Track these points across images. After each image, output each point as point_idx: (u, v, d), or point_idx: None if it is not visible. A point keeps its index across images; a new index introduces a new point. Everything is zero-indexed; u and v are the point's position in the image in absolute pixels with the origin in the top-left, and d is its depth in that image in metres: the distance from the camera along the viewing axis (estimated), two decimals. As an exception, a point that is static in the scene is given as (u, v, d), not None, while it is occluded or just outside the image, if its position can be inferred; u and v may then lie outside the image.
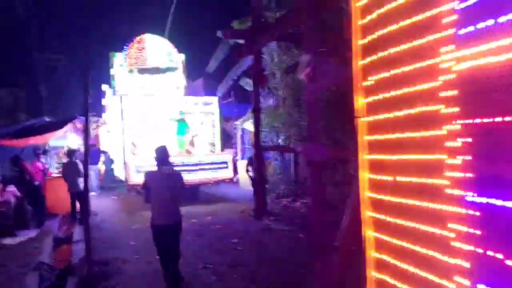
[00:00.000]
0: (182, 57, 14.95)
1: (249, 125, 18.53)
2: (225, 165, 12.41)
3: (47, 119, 17.06)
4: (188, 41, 17.46)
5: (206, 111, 13.77)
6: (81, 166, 9.93)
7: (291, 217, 10.08)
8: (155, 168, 5.15)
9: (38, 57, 29.74)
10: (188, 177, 10.55)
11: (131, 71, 14.27)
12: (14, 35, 26.77)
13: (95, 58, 18.14)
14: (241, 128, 19.14)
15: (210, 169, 11.96)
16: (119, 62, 14.56)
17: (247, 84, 17.48)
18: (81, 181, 9.68)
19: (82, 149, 13.55)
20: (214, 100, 14.14)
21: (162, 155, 5.12)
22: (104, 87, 18.79)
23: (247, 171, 11.95)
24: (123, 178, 12.63)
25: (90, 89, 6.58)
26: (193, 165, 11.60)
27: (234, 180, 14.64)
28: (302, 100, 11.31)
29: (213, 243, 7.99)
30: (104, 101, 18.78)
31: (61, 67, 31.27)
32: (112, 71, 14.89)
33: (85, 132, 6.64)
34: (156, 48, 13.98)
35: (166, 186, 4.97)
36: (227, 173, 12.60)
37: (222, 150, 14.11)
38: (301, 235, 8.27)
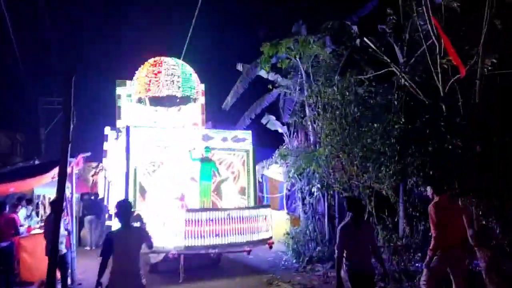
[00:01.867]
0: (202, 87, 12.16)
1: (272, 172, 16.01)
2: (264, 223, 9.22)
3: (37, 162, 14.78)
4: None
5: (237, 149, 10.78)
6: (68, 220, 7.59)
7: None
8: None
9: (38, 99, 28.03)
10: (214, 241, 8.04)
11: (141, 101, 11.54)
12: (13, 77, 25.12)
13: (99, 94, 16.05)
14: (260, 175, 16.61)
15: (245, 228, 8.58)
16: (127, 91, 12.21)
17: (270, 123, 15.16)
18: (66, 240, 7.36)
19: (75, 198, 11.14)
20: (247, 135, 10.93)
21: (122, 210, 4.66)
22: (107, 129, 17.12)
23: None
24: None
25: (72, 121, 5.06)
26: (220, 222, 8.23)
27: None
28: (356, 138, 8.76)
29: None
30: (106, 145, 16.97)
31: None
32: (118, 102, 12.47)
33: (60, 176, 4.29)
34: (174, 72, 10.90)
35: (128, 248, 4.53)
36: (267, 233, 9.29)
37: (258, 202, 11.22)
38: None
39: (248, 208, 9.09)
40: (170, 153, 10.05)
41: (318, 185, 11.73)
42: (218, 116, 16.39)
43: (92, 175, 23.16)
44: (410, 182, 7.91)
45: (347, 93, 9.64)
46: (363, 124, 9.32)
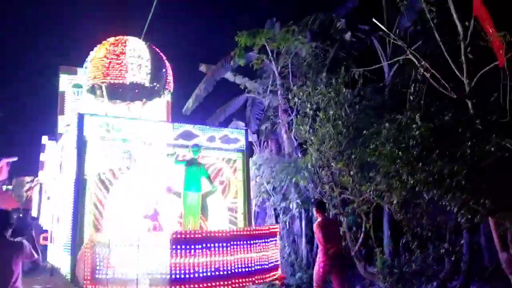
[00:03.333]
0: (171, 77, 8.94)
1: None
2: (275, 250, 6.55)
3: None
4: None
5: (227, 152, 8.01)
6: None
7: None
8: None
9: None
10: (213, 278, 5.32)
11: (93, 91, 8.45)
12: None
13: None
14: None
15: (254, 259, 5.89)
16: (74, 81, 9.71)
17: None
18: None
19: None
20: (241, 135, 8.28)
21: None
22: (44, 139, 14.58)
23: None
24: (64, 269, 7.04)
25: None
26: (222, 250, 5.52)
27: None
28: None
29: None
30: (43, 156, 14.37)
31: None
32: (61, 86, 9.80)
33: None
34: (142, 54, 8.12)
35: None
36: (277, 264, 6.62)
37: (249, 220, 8.07)
38: None
39: (259, 230, 6.51)
40: (138, 155, 7.26)
41: (298, 201, 10.11)
42: (176, 122, 14.34)
43: (26, 191, 20.12)
44: (429, 195, 6.50)
45: (338, 93, 8.19)
46: (361, 127, 7.88)
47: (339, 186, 8.48)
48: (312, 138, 8.60)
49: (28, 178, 20.24)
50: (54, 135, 10.39)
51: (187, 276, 5.20)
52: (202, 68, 14.28)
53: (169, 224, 7.34)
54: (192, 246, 5.27)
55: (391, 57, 9.70)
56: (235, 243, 5.64)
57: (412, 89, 6.48)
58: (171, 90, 8.86)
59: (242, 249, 5.69)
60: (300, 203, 10.17)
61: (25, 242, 4.38)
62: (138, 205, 7.14)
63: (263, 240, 6.16)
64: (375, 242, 8.27)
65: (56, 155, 9.29)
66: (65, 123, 9.48)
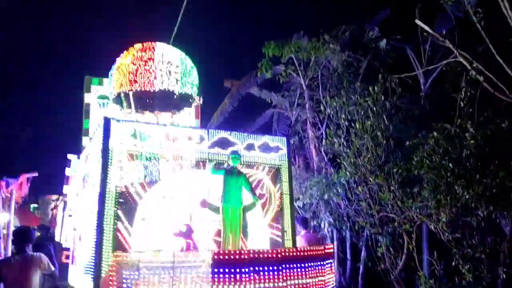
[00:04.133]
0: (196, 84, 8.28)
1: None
2: (330, 275, 5.59)
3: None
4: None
5: (267, 162, 7.16)
6: None
7: None
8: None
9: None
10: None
11: (120, 100, 7.93)
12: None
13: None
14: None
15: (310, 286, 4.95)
16: (99, 92, 9.35)
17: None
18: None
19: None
20: (281, 143, 7.46)
21: (17, 237, 4.75)
22: (71, 156, 14.55)
23: None
24: None
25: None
26: (273, 276, 4.60)
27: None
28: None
29: None
30: (68, 171, 14.27)
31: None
32: (86, 98, 9.42)
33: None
34: (172, 60, 7.66)
35: (20, 276, 4.48)
36: None
37: (294, 239, 7.06)
38: None
39: (314, 250, 5.46)
40: (169, 165, 6.49)
41: (330, 219, 9.47)
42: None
43: (52, 209, 20.00)
44: (485, 211, 5.79)
45: (376, 103, 7.65)
46: (401, 138, 7.30)
47: (378, 203, 7.86)
48: (348, 151, 8.05)
49: (54, 197, 20.19)
50: (79, 152, 10.17)
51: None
52: (226, 83, 13.98)
53: (204, 243, 6.50)
54: (238, 270, 4.42)
55: (427, 65, 9.20)
56: (288, 266, 4.73)
57: (463, 94, 5.88)
58: (201, 99, 8.32)
59: (296, 274, 4.77)
60: (332, 221, 9.53)
61: (42, 255, 4.78)
62: (169, 221, 6.34)
63: (319, 263, 5.22)
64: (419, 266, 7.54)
65: (79, 168, 8.81)
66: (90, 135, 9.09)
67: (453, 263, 6.60)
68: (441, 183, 5.80)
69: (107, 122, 6.02)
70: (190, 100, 8.04)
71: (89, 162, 7.37)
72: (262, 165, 7.15)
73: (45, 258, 4.71)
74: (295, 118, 12.14)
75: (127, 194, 6.10)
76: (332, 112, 8.56)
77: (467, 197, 5.39)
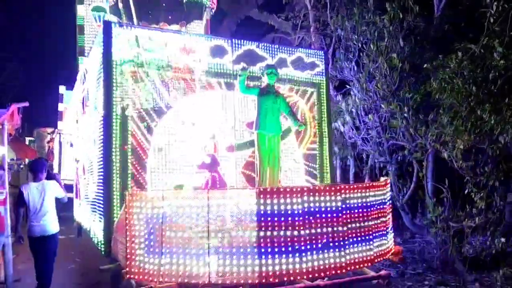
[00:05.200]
0: None
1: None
2: (389, 217, 4.68)
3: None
4: None
5: (302, 81, 6.03)
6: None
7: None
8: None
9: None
10: (320, 260, 3.63)
11: (117, 9, 7.00)
12: None
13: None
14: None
15: (371, 229, 4.08)
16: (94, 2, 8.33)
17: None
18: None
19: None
20: (318, 57, 6.30)
21: (33, 167, 5.06)
22: (62, 89, 13.99)
23: None
24: (95, 234, 5.70)
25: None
26: (331, 218, 3.75)
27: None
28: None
29: None
30: (61, 106, 13.95)
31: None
32: (79, 10, 8.34)
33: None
34: None
35: (39, 198, 4.91)
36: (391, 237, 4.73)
37: (332, 173, 6.33)
38: None
39: (376, 186, 4.41)
40: (184, 84, 5.26)
41: (335, 148, 9.20)
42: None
43: (48, 142, 19.78)
44: (507, 139, 5.47)
45: (393, 22, 6.99)
46: (417, 62, 6.78)
47: (388, 131, 7.53)
48: (359, 75, 7.53)
49: (49, 130, 19.88)
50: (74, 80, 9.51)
51: (280, 259, 3.49)
52: (223, 4, 12.98)
53: (231, 177, 5.62)
54: (289, 211, 3.56)
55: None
56: (348, 205, 3.90)
57: (494, 8, 5.25)
58: (214, 8, 7.27)
59: (357, 215, 3.97)
60: (337, 150, 9.28)
61: (55, 181, 5.17)
62: (190, 151, 5.38)
63: (381, 200, 4.36)
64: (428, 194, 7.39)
65: (76, 90, 7.88)
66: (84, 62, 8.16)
67: (466, 191, 6.42)
68: (462, 108, 5.41)
69: (107, 27, 4.92)
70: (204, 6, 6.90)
71: (88, 82, 6.33)
72: (296, 85, 6.11)
73: (57, 184, 5.15)
74: (299, 42, 11.43)
75: (140, 119, 5.15)
76: (343, 34, 7.88)
77: (492, 122, 5.02)
